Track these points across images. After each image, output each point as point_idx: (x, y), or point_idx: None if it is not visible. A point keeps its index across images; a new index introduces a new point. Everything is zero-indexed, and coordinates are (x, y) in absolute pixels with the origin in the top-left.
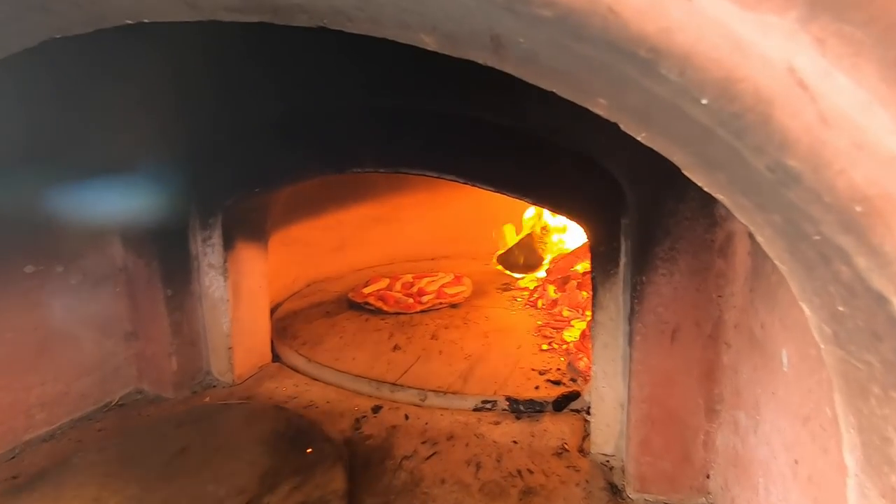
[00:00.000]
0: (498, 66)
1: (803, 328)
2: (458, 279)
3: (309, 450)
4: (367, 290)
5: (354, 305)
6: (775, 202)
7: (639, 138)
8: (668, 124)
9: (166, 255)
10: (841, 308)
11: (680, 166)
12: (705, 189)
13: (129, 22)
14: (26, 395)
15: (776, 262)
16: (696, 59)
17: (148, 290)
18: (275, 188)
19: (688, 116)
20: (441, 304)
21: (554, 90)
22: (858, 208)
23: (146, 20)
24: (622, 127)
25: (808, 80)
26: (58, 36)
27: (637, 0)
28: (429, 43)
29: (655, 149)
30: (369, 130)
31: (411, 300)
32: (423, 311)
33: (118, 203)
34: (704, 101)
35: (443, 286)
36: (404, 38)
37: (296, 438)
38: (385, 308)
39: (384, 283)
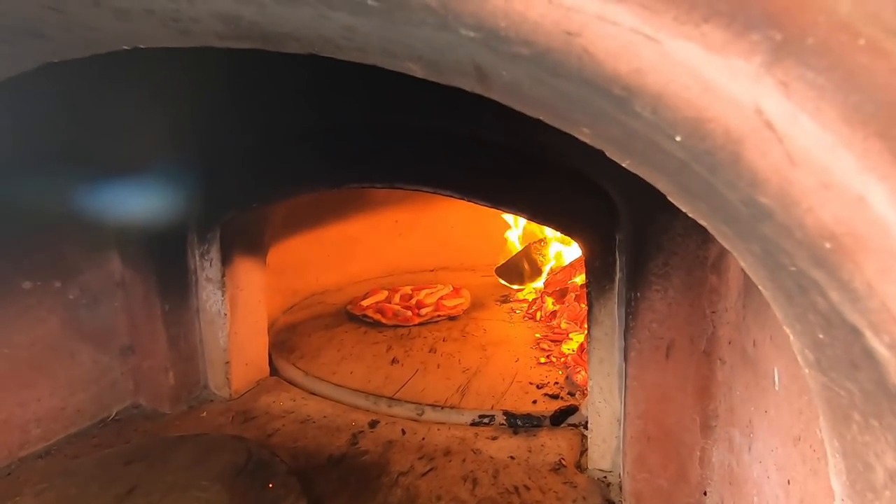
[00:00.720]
0: (485, 94)
1: (792, 349)
2: (456, 291)
3: (270, 485)
4: (365, 303)
5: (353, 318)
6: (752, 233)
7: (623, 165)
8: (649, 155)
9: (164, 269)
10: (821, 336)
11: (664, 193)
12: (689, 215)
13: (125, 48)
14: (22, 410)
15: (759, 287)
16: (667, 99)
17: (145, 304)
18: (272, 203)
19: (664, 150)
20: (439, 316)
21: (540, 118)
22: (827, 245)
23: (141, 46)
24: (607, 154)
25: (775, 122)
26: (55, 60)
27: (610, 42)
28: (415, 70)
29: (640, 175)
30: (366, 147)
31: (410, 313)
32: (421, 324)
33: (116, 217)
34: (678, 138)
35: (441, 298)
36: (392, 65)
37: (256, 472)
38: (383, 320)
39: (383, 295)
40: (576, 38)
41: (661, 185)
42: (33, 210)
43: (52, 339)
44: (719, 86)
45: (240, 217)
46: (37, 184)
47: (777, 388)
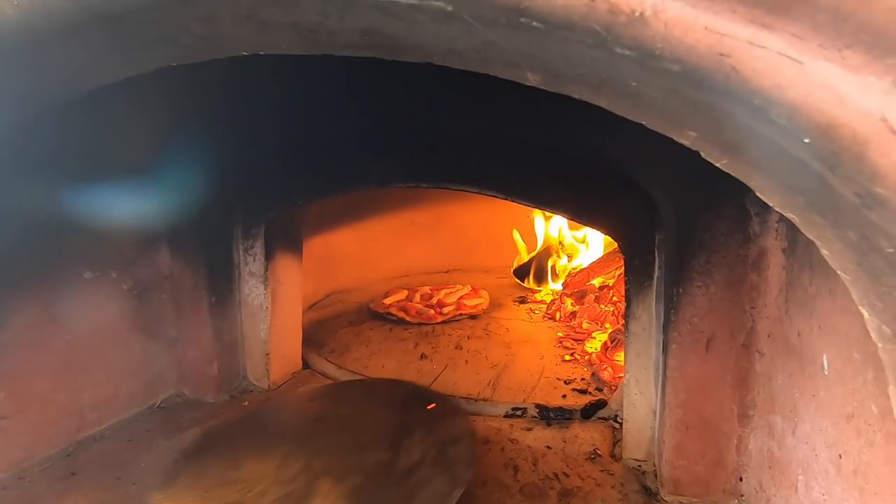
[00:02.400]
0: (591, 101)
1: (844, 334)
2: (475, 291)
3: (431, 405)
4: (387, 301)
5: (376, 315)
6: (853, 221)
7: (718, 164)
8: (759, 156)
9: (211, 263)
10: None
11: (756, 189)
12: (776, 208)
13: (245, 53)
14: (80, 395)
15: (840, 271)
16: (803, 109)
17: (193, 296)
18: (317, 200)
19: (784, 151)
20: (461, 315)
21: (642, 122)
22: None
23: (262, 52)
24: (703, 154)
25: None
26: (174, 64)
27: (757, 63)
28: (531, 80)
29: (733, 174)
30: (412, 147)
31: (432, 311)
32: (443, 322)
33: (167, 212)
34: (807, 141)
35: (462, 298)
36: (508, 75)
37: (415, 400)
38: (407, 318)
39: (403, 294)
40: (726, 59)
41: (758, 182)
42: (92, 204)
43: (108, 327)
44: (851, 98)
45: (284, 213)
46: (95, 181)
47: (826, 373)
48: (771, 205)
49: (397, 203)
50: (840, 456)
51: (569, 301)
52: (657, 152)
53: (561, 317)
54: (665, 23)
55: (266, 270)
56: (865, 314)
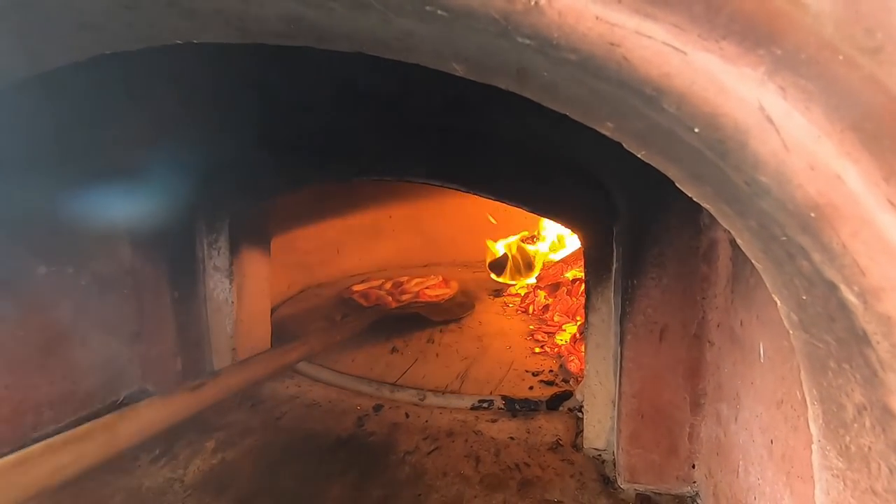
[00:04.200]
0: (518, 92)
1: (777, 323)
2: (445, 282)
3: None
4: (357, 287)
5: (343, 301)
6: (751, 210)
7: (639, 155)
8: (666, 145)
9: (174, 258)
10: (804, 297)
11: (674, 179)
12: (694, 199)
13: (178, 41)
14: (36, 393)
15: (753, 260)
16: (689, 98)
17: (155, 292)
18: (282, 194)
19: (682, 140)
20: (419, 302)
21: (567, 113)
22: (812, 214)
23: (195, 41)
24: (625, 145)
25: (774, 117)
26: (107, 52)
27: (644, 51)
28: (458, 70)
29: (653, 164)
30: (376, 141)
31: (389, 297)
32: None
33: (128, 206)
34: (696, 130)
35: (424, 288)
36: (435, 64)
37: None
38: (364, 304)
39: (377, 282)
40: (616, 48)
41: (672, 172)
42: (48, 197)
43: (64, 323)
44: (731, 88)
45: (249, 207)
46: (52, 174)
47: (762, 360)
48: (689, 195)
49: (374, 197)
50: (771, 441)
51: (542, 294)
52: (610, 144)
53: (534, 310)
54: (559, 11)
55: (231, 265)
56: (778, 302)
